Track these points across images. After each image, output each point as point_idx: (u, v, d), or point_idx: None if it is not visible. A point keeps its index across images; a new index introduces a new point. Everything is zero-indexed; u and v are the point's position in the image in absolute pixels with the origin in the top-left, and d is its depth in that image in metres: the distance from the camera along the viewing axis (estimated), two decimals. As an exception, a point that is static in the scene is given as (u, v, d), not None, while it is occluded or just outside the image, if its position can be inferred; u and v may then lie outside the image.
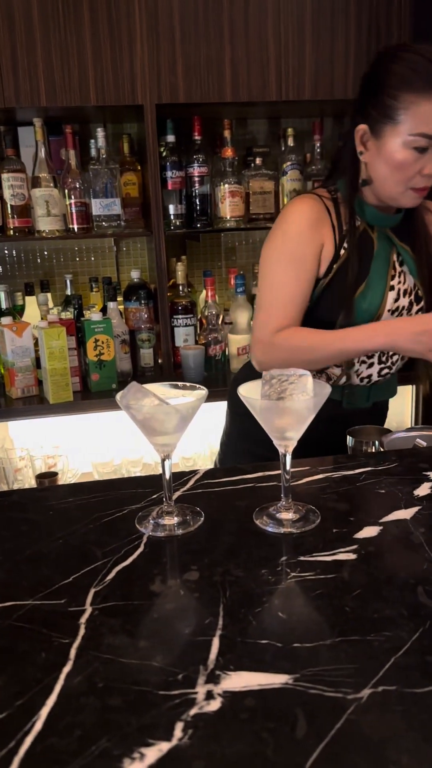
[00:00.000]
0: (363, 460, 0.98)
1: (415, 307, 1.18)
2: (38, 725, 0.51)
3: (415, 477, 0.90)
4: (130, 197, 2.13)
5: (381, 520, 0.79)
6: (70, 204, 2.03)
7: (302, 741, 0.48)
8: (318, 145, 2.13)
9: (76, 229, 2.05)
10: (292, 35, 1.97)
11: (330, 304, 1.13)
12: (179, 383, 0.82)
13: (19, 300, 2.21)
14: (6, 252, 2.29)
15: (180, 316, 2.14)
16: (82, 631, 0.61)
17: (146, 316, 2.14)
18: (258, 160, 2.12)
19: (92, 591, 0.67)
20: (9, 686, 0.55)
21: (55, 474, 2.06)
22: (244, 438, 1.35)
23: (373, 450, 1.26)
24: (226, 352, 2.20)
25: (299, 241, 1.11)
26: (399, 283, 1.16)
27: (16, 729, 0.50)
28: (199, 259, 2.39)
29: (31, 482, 2.12)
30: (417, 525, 0.77)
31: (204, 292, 2.20)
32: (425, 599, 0.64)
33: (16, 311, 2.17)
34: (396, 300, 1.16)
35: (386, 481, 0.89)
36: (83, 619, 0.63)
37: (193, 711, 0.51)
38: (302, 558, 0.72)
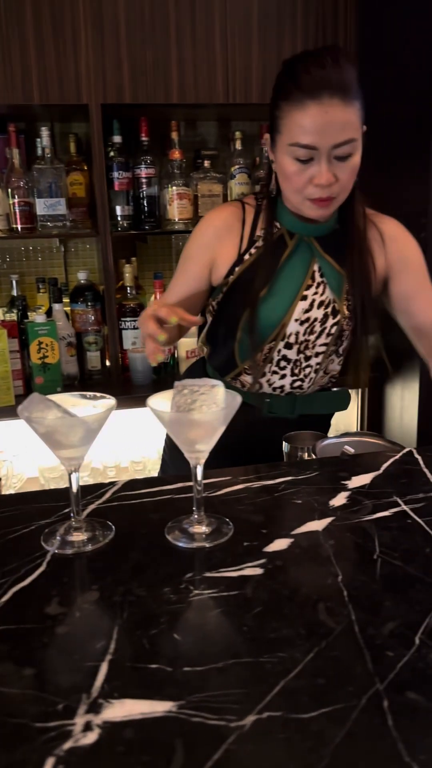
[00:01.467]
0: (285, 468, 0.96)
1: (331, 321, 1.14)
2: None
3: (333, 486, 0.89)
4: (77, 197, 2.08)
5: (293, 532, 0.78)
6: (14, 203, 1.98)
7: (175, 775, 0.46)
8: (266, 149, 2.12)
9: (19, 229, 2.00)
10: (239, 37, 1.96)
11: (236, 302, 1.14)
12: (89, 393, 0.79)
13: (-38, 301, 2.15)
14: None
15: (128, 319, 2.11)
16: (-35, 659, 0.58)
17: (93, 318, 2.10)
18: (206, 163, 2.10)
19: (-17, 614, 0.64)
20: None
21: (-2, 480, 2.01)
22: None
23: (307, 455, 1.25)
24: (176, 355, 2.17)
25: (194, 245, 1.18)
26: (315, 294, 1.13)
27: None
28: (150, 261, 2.36)
29: (-27, 489, 2.06)
30: (327, 537, 0.76)
31: (154, 294, 2.18)
32: (324, 616, 0.62)
33: (-43, 313, 2.11)
34: (307, 310, 1.13)
35: (304, 491, 0.88)
36: (-31, 645, 0.60)
37: (68, 745, 0.49)
38: (208, 574, 0.70)
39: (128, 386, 2.07)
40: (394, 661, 0.56)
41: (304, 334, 1.15)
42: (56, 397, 0.77)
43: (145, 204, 2.07)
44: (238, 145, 2.10)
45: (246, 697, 0.53)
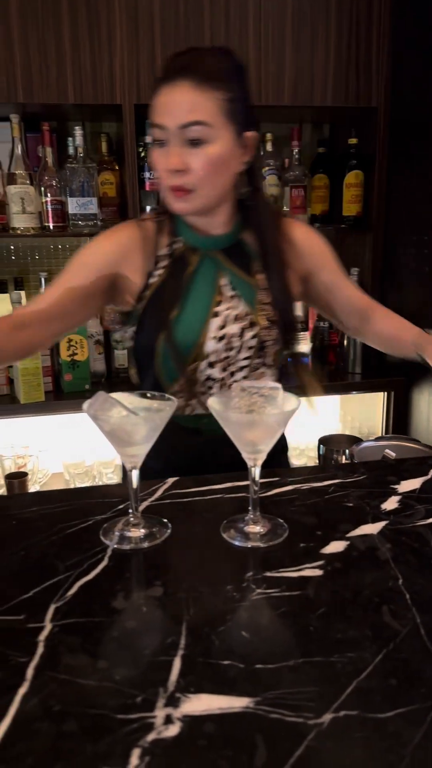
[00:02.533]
0: (332, 471, 0.97)
1: (248, 333, 1.07)
2: (-11, 752, 0.49)
3: (383, 490, 0.90)
4: (108, 197, 2.10)
5: (348, 535, 0.78)
6: (46, 202, 2.00)
7: (261, 769, 0.47)
8: (296, 150, 2.13)
9: (51, 228, 2.01)
10: (272, 40, 1.97)
11: (150, 327, 1.06)
12: (148, 392, 0.81)
13: (-8, 297, 2.17)
14: (-21, 248, 2.25)
15: (155, 318, 2.12)
16: (40, 650, 0.60)
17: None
18: (237, 164, 2.11)
19: (52, 607, 0.65)
20: (-39, 709, 0.53)
21: (24, 474, 2.03)
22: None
23: (343, 458, 1.26)
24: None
25: (88, 254, 1.08)
26: (228, 309, 1.06)
27: (-34, 756, 0.48)
28: (176, 260, 2.37)
29: (0, 482, 2.08)
30: (383, 540, 0.77)
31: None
32: (389, 619, 0.63)
33: (-13, 309, 2.13)
34: (222, 327, 1.06)
35: (354, 494, 0.89)
36: (42, 637, 0.61)
37: (151, 736, 0.50)
38: (268, 574, 0.71)
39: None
40: (463, 663, 0.57)
41: (224, 351, 1.07)
42: (117, 396, 0.78)
43: (176, 204, 2.08)
44: (269, 147, 2.11)
45: (320, 695, 0.54)
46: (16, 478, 1.99)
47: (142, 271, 1.07)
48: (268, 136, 2.11)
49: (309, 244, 1.14)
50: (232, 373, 1.09)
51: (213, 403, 0.76)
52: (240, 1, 1.92)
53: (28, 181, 1.97)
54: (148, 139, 0.91)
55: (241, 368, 1.09)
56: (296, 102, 2.01)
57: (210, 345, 1.06)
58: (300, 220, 1.19)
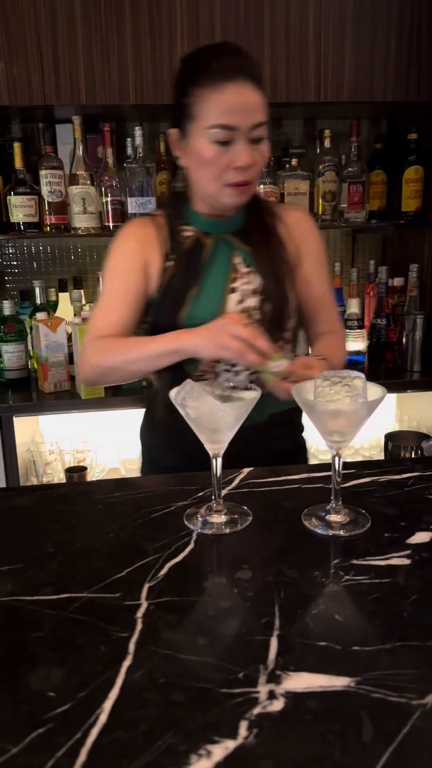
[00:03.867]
0: (408, 464, 0.97)
1: (267, 306, 1.12)
2: (102, 718, 0.51)
3: (464, 483, 0.89)
4: (165, 196, 2.13)
5: (433, 526, 0.78)
6: (106, 202, 2.04)
7: (370, 745, 0.48)
8: (354, 146, 2.12)
9: (111, 227, 2.06)
10: (332, 36, 1.96)
11: (165, 311, 1.11)
12: (231, 383, 0.82)
13: (53, 296, 2.23)
14: (41, 248, 2.31)
15: (211, 316, 2.14)
16: (139, 626, 0.62)
17: (178, 314, 2.14)
18: (293, 161, 2.11)
19: (146, 586, 0.68)
20: (70, 678, 0.55)
21: (84, 468, 2.07)
22: (168, 435, 1.22)
23: (411, 454, 1.25)
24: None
25: (117, 257, 1.15)
26: (245, 284, 1.12)
27: (82, 721, 0.51)
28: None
29: (60, 476, 2.14)
30: (470, 532, 0.77)
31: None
32: None
33: (49, 307, 2.19)
34: (240, 301, 1.11)
35: (434, 487, 0.89)
36: (139, 614, 0.63)
37: (257, 710, 0.51)
38: (355, 561, 0.71)
39: (211, 382, 2.10)
40: None
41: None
42: (203, 385, 0.80)
43: (233, 202, 2.10)
44: (327, 143, 2.11)
45: (421, 677, 0.54)
46: (76, 472, 2.04)
47: (160, 259, 1.13)
48: (327, 132, 2.10)
49: (299, 226, 1.20)
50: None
51: (299, 392, 0.77)
52: (300, 1, 1.93)
53: (89, 182, 2.02)
54: (208, 136, 0.96)
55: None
56: (356, 98, 2.00)
57: None
58: (300, 209, 1.23)
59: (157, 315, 1.13)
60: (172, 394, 0.77)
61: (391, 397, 2.37)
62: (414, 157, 2.09)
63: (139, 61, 1.92)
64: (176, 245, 1.13)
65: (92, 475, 2.18)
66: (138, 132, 2.03)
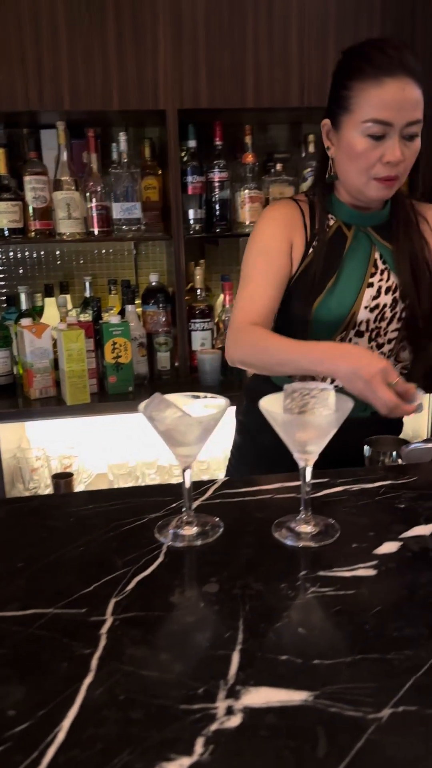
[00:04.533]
0: (382, 473, 0.98)
1: (401, 305, 1.16)
2: (60, 736, 0.51)
3: (435, 492, 0.90)
4: (151, 201, 2.14)
5: (401, 536, 0.79)
6: (91, 207, 2.05)
7: (324, 760, 0.48)
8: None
9: (96, 232, 2.06)
10: (315, 41, 1.97)
11: (300, 298, 1.15)
12: (200, 394, 0.82)
13: (39, 301, 2.23)
14: (27, 253, 2.31)
15: (197, 320, 2.15)
16: (103, 642, 0.62)
17: (164, 319, 2.15)
18: (278, 166, 2.12)
19: (113, 601, 0.68)
20: (31, 696, 0.55)
21: (70, 475, 2.08)
22: (256, 450, 1.33)
23: (390, 461, 1.25)
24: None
25: (267, 237, 1.16)
26: (381, 280, 1.15)
27: (39, 739, 0.51)
28: (218, 263, 2.40)
29: (47, 482, 2.14)
30: (437, 542, 0.77)
31: (221, 296, 2.21)
32: (446, 619, 0.63)
33: (35, 312, 2.19)
34: (375, 297, 1.15)
35: (405, 496, 0.89)
36: (104, 629, 0.64)
37: (214, 726, 0.52)
38: (321, 573, 0.72)
39: (196, 387, 2.11)
40: None
41: (375, 321, 1.16)
42: (171, 397, 0.80)
43: (218, 207, 2.11)
44: (311, 148, 2.11)
45: (379, 691, 0.55)
46: (63, 478, 2.04)
47: (303, 242, 1.15)
48: (311, 137, 2.11)
49: None
50: (379, 344, 1.17)
51: (264, 404, 0.77)
52: (283, 4, 1.93)
53: (73, 187, 2.02)
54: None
55: (389, 340, 1.17)
56: (338, 103, 2.00)
57: (362, 314, 1.14)
58: None
59: (289, 301, 1.16)
60: (141, 406, 0.77)
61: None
62: None
63: (122, 66, 1.92)
64: (319, 233, 1.15)
65: (79, 481, 2.18)
66: (123, 137, 2.03)
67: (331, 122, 1.11)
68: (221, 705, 0.54)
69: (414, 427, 2.23)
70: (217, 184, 2.09)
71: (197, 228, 2.11)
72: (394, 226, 1.17)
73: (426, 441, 1.29)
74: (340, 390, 0.80)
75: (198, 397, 0.82)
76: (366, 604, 0.66)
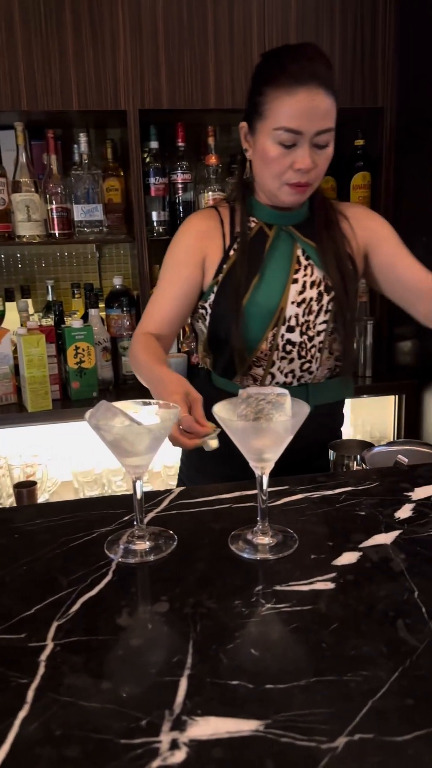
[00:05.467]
0: (342, 479, 0.95)
1: (326, 297, 1.18)
2: (-13, 780, 0.47)
3: (396, 498, 0.87)
4: (113, 203, 2.09)
5: (361, 545, 0.76)
6: (51, 209, 1.99)
7: (271, 798, 0.45)
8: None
9: (57, 235, 2.00)
10: (276, 42, 1.95)
11: (228, 296, 1.16)
12: (150, 400, 0.79)
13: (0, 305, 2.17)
14: (-15, 257, 2.24)
15: (163, 324, 2.10)
16: (41, 670, 0.57)
17: (128, 323, 2.10)
18: (243, 167, 2.09)
19: (55, 624, 0.63)
20: (-41, 734, 0.51)
21: (33, 483, 2.01)
22: (202, 454, 1.29)
23: (355, 464, 1.23)
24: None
25: (180, 248, 1.20)
26: (305, 276, 1.17)
27: (-37, 785, 0.46)
28: (183, 266, 2.36)
29: (9, 491, 2.07)
30: (398, 551, 0.74)
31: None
32: (405, 634, 0.60)
33: (-5, 317, 2.12)
34: (301, 292, 1.17)
35: (366, 503, 0.86)
36: (43, 656, 0.59)
37: (156, 763, 0.48)
38: (278, 587, 0.69)
39: (163, 391, 2.07)
40: None
41: (303, 315, 1.18)
42: (120, 405, 0.76)
43: (181, 209, 2.07)
44: (275, 150, 2.09)
45: (334, 717, 0.51)
46: (25, 487, 1.98)
47: (222, 248, 1.18)
48: (274, 138, 2.09)
49: (364, 218, 1.24)
50: (311, 337, 1.19)
51: (218, 410, 0.74)
52: (244, 5, 1.91)
53: (33, 189, 1.96)
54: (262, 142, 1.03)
55: (319, 332, 1.18)
56: (301, 104, 1.99)
57: (290, 309, 1.16)
58: (359, 204, 1.32)
59: (218, 301, 1.18)
60: (87, 415, 0.73)
61: (346, 403, 2.36)
62: (361, 163, 2.09)
63: (81, 65, 1.88)
64: (240, 234, 1.17)
65: (43, 490, 2.12)
66: (83, 138, 1.98)
67: (247, 125, 1.12)
68: (165, 738, 0.50)
69: (381, 429, 2.22)
70: (180, 186, 2.06)
71: (161, 230, 2.07)
72: (316, 225, 1.19)
73: (390, 444, 1.27)
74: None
75: (148, 403, 0.78)
76: (323, 621, 0.63)
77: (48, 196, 1.98)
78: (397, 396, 2.10)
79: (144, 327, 1.17)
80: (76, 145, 2.06)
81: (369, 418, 2.29)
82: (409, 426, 2.10)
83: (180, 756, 0.48)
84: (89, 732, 0.51)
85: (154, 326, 1.17)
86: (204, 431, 0.82)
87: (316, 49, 1.05)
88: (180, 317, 1.20)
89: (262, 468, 0.75)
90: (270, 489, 0.91)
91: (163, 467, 2.23)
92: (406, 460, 1.10)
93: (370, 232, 1.23)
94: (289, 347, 1.19)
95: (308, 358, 1.21)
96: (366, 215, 1.26)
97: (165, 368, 1.02)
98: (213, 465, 1.20)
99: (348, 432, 2.34)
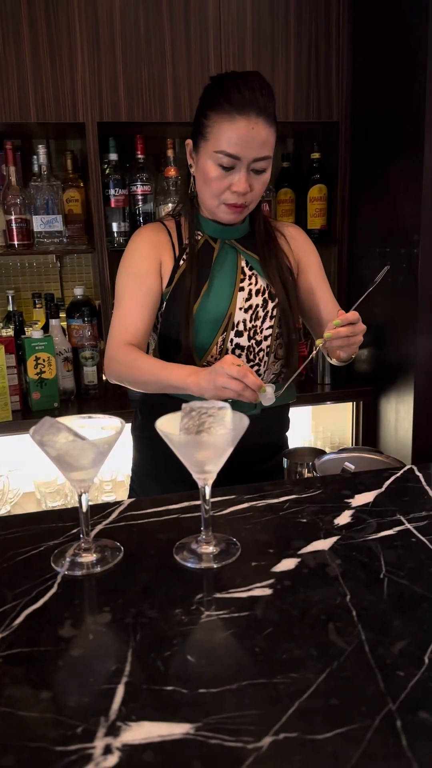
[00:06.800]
0: (288, 487, 0.98)
1: (270, 304, 1.25)
2: None
3: (337, 504, 0.91)
4: (73, 214, 2.10)
5: (299, 552, 0.79)
6: (10, 220, 1.99)
7: (196, 797, 0.47)
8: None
9: (16, 246, 2.01)
10: (233, 58, 1.99)
11: (176, 307, 1.21)
12: (96, 415, 0.80)
13: (-42, 317, 2.16)
14: None
15: (124, 334, 2.12)
16: (-18, 683, 0.59)
17: (90, 333, 2.11)
18: (202, 179, 2.12)
19: (-2, 637, 0.65)
20: None
21: (-6, 496, 2.00)
22: (153, 464, 1.35)
23: (306, 471, 1.26)
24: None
25: (137, 259, 1.23)
26: (251, 284, 1.24)
27: None
28: (145, 276, 2.37)
29: (-31, 505, 2.05)
30: (334, 556, 0.78)
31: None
32: (335, 637, 0.63)
33: None
34: (248, 299, 1.23)
35: (309, 510, 0.90)
36: (-15, 669, 0.60)
37: (89, 768, 0.50)
38: (218, 595, 0.71)
39: (125, 401, 2.08)
40: (404, 681, 0.57)
41: (250, 321, 1.24)
42: (65, 420, 0.78)
43: (141, 220, 2.09)
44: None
45: (261, 718, 0.54)
46: (-14, 499, 1.97)
47: (172, 259, 1.23)
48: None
49: (296, 239, 1.33)
50: (258, 342, 1.25)
51: (160, 425, 0.76)
52: (200, 20, 1.95)
53: (-9, 200, 1.96)
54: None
55: (266, 337, 1.25)
56: (258, 118, 2.03)
57: (238, 315, 1.23)
58: (295, 225, 1.39)
59: (169, 308, 1.22)
60: (31, 432, 0.74)
61: (307, 410, 2.41)
62: (318, 176, 2.14)
63: (39, 78, 1.89)
64: (188, 246, 1.23)
65: (5, 501, 2.11)
66: (42, 150, 1.99)
67: (192, 143, 1.17)
68: (99, 744, 0.52)
69: (341, 435, 2.27)
70: (140, 197, 2.08)
71: (121, 240, 2.08)
72: (257, 240, 1.26)
73: (340, 451, 1.31)
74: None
75: (93, 418, 0.80)
76: (258, 626, 0.66)
77: (6, 207, 1.99)
78: (354, 402, 2.15)
79: (121, 339, 1.18)
80: (35, 156, 2.06)
81: (329, 425, 2.34)
82: (367, 432, 2.15)
83: (112, 760, 0.50)
84: (25, 741, 0.52)
85: (131, 337, 1.18)
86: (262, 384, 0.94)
87: (260, 79, 1.11)
88: (150, 326, 1.22)
89: (205, 479, 0.78)
90: (217, 498, 0.94)
91: (126, 477, 2.24)
92: (353, 467, 1.14)
93: (303, 253, 1.33)
94: (238, 351, 1.24)
95: (256, 361, 1.27)
96: (299, 235, 1.34)
97: (182, 365, 1.08)
98: (166, 471, 1.22)
99: (309, 439, 2.38)
